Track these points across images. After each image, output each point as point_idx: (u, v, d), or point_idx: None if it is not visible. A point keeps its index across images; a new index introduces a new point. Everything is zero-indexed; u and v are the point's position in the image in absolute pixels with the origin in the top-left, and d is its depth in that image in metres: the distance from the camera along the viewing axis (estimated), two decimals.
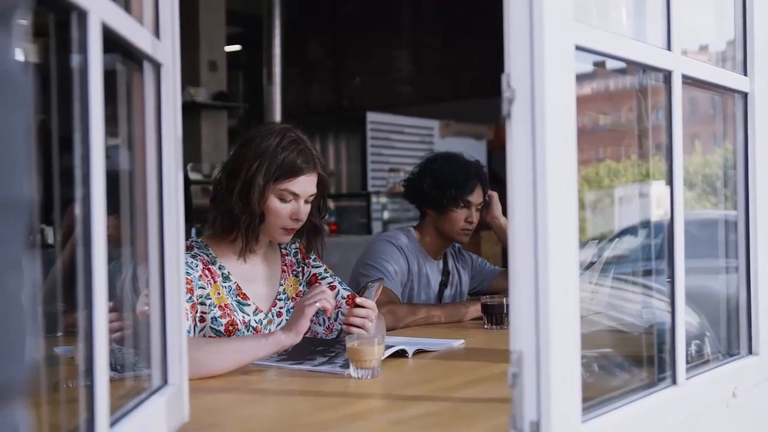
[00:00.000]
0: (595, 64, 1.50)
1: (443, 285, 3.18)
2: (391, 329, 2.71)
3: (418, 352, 2.23)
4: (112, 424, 1.09)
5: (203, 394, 1.74)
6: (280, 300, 2.38)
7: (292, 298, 2.40)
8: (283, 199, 2.23)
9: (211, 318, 2.19)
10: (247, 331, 2.24)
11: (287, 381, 1.94)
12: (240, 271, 2.31)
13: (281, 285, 2.39)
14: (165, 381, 1.39)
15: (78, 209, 1.01)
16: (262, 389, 1.83)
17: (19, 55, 0.62)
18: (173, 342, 1.40)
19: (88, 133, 1.01)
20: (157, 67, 1.36)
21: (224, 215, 2.24)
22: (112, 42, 1.12)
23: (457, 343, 2.40)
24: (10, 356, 0.56)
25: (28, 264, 0.59)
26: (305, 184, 2.25)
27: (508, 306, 2.71)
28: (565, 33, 1.23)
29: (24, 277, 0.58)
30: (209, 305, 2.19)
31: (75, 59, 1.01)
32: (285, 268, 2.42)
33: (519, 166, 1.20)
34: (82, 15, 1.00)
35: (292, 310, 2.36)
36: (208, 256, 2.26)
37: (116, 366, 1.36)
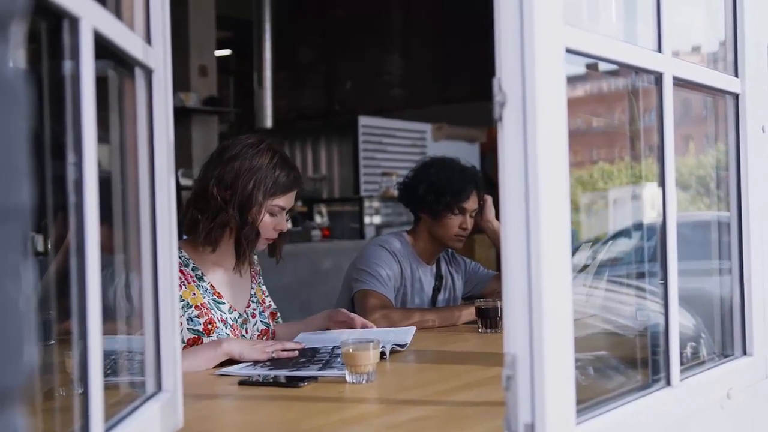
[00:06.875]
0: (588, 66, 1.51)
1: (437, 290, 3.18)
2: None
3: (395, 351, 2.25)
4: (107, 430, 1.09)
5: (197, 401, 1.73)
6: (253, 302, 2.47)
7: (260, 302, 2.51)
8: (272, 214, 2.34)
9: (188, 319, 2.25)
10: (225, 328, 2.31)
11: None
12: (215, 274, 2.38)
13: (252, 288, 2.50)
14: (159, 387, 1.39)
15: (71, 216, 1.00)
16: (256, 395, 1.83)
17: (16, 62, 0.62)
18: (167, 348, 1.40)
19: (80, 140, 1.01)
20: (148, 73, 1.36)
21: (218, 228, 2.30)
22: (103, 48, 1.12)
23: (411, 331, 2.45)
24: (9, 362, 0.56)
25: (26, 270, 0.59)
26: (293, 199, 2.40)
27: (502, 309, 2.72)
28: (555, 36, 1.23)
29: (22, 283, 0.59)
30: (183, 306, 2.24)
31: (67, 66, 1.01)
32: (254, 274, 2.53)
33: (511, 169, 1.20)
34: (74, 22, 1.00)
35: (263, 313, 2.49)
36: (180, 258, 2.29)
37: (107, 372, 1.36)
